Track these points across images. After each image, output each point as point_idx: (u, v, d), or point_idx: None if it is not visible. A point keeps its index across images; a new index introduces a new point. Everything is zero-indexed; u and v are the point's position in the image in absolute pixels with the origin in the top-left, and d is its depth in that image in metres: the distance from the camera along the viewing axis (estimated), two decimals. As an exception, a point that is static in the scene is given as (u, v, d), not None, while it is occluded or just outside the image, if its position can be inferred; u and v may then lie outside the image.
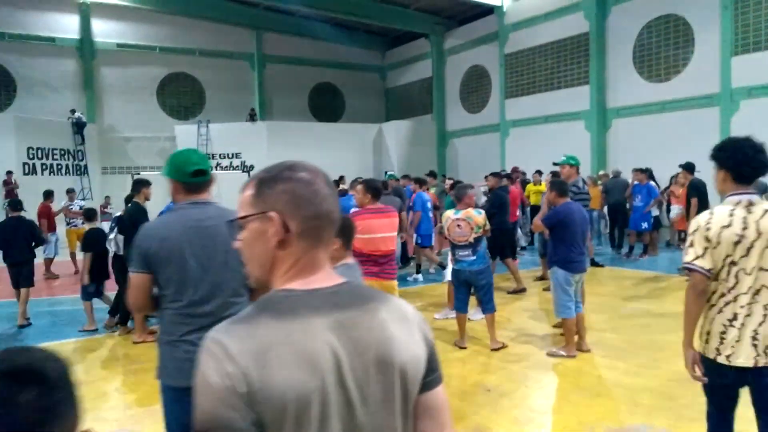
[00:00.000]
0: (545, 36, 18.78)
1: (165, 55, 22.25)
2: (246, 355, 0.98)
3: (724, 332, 2.59)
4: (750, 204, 2.57)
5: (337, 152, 21.35)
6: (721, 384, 2.68)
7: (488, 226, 5.75)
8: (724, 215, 2.58)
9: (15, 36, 19.53)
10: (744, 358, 2.55)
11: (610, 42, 16.96)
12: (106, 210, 14.35)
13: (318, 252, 1.13)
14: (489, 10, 20.42)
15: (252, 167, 20.02)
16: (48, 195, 11.12)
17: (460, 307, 5.79)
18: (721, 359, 2.59)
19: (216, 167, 20.25)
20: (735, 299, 2.58)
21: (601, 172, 14.31)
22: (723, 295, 2.60)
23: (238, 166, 20.65)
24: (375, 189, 4.76)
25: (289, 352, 0.99)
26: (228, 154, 20.92)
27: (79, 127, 19.16)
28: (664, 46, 15.68)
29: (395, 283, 4.80)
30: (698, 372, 2.64)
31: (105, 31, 21.12)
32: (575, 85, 17.93)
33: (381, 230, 4.63)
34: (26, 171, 17.53)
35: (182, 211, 2.46)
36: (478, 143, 21.98)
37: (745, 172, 2.61)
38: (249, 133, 21.13)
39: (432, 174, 13.04)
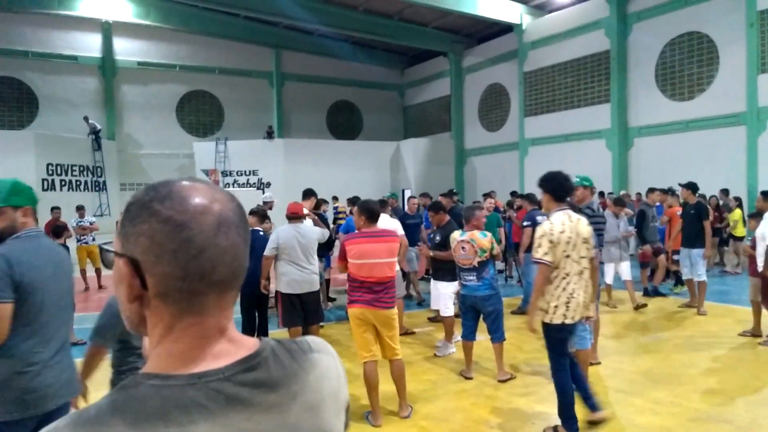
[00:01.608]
0: (565, 54, 18.51)
1: (185, 73, 22.49)
2: None
3: (568, 302, 3.95)
4: (569, 215, 4.04)
5: (355, 170, 21.30)
6: (565, 338, 4.10)
7: (496, 250, 5.46)
8: (559, 224, 3.98)
9: (38, 54, 19.92)
10: (577, 315, 4.00)
11: (632, 60, 16.61)
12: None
13: (199, 321, 0.79)
14: (508, 28, 20.23)
15: (269, 184, 20.00)
16: (53, 210, 11.13)
17: (467, 334, 5.51)
18: (568, 321, 3.97)
19: (233, 184, 20.30)
20: (569, 280, 3.96)
21: (622, 192, 13.88)
22: (564, 278, 3.96)
23: (254, 183, 20.66)
24: (370, 211, 4.50)
25: None
26: (245, 171, 20.95)
27: (95, 135, 19.31)
28: (687, 64, 15.28)
29: (393, 311, 4.51)
30: (538, 329, 4.11)
31: (126, 50, 21.44)
32: (596, 104, 17.58)
33: (375, 255, 4.36)
34: (45, 187, 17.70)
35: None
36: (496, 161, 21.69)
37: (560, 194, 4.14)
38: (266, 151, 21.16)
39: (451, 193, 12.74)
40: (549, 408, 4.76)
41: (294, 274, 5.65)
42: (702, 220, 7.85)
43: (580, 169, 9.12)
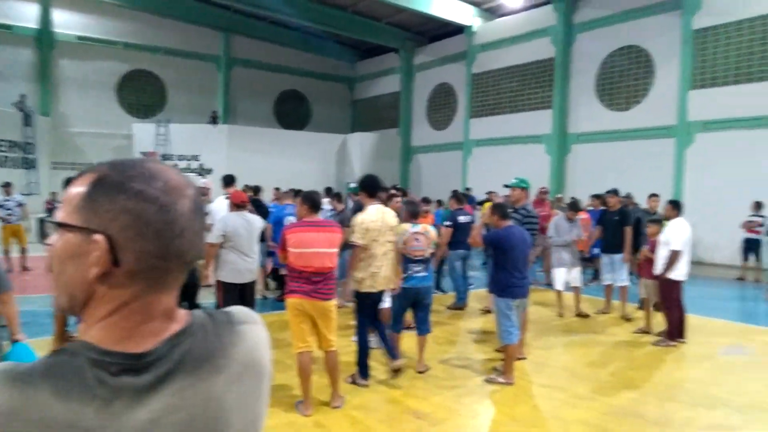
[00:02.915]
0: (512, 58, 18.97)
1: (127, 51, 21.65)
2: None
3: (375, 275, 5.00)
4: (380, 209, 5.12)
5: (300, 161, 21.15)
6: (371, 303, 5.12)
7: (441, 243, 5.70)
8: (372, 215, 5.03)
9: (-33, 21, 18.73)
10: (381, 286, 5.06)
11: (575, 68, 17.21)
12: (52, 206, 13.76)
13: (158, 299, 0.83)
14: (459, 29, 20.54)
15: (210, 170, 19.58)
16: None
17: (400, 327, 5.61)
18: (373, 289, 5.02)
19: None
20: (376, 259, 5.00)
21: (558, 195, 14.40)
22: (372, 257, 4.97)
23: (196, 169, 20.17)
24: (312, 201, 4.54)
25: None
26: (186, 156, 20.40)
27: (25, 112, 18.37)
28: (625, 76, 15.98)
29: (331, 303, 4.54)
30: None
31: (66, 22, 20.42)
32: (538, 109, 18.12)
33: (314, 245, 4.39)
34: (-31, 161, 16.71)
35: None
36: (441, 160, 22.01)
37: (373, 192, 5.22)
38: (210, 136, 20.68)
39: (396, 189, 12.82)
40: (476, 400, 4.94)
41: (239, 263, 5.62)
42: (624, 226, 8.15)
43: (520, 172, 9.43)
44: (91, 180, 0.81)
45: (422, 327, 5.59)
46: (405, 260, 5.48)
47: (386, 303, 6.24)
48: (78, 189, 0.81)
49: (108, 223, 0.78)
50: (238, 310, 0.96)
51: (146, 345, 0.80)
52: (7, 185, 11.08)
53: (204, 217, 0.88)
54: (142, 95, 22.25)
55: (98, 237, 0.78)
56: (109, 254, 0.78)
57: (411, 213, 5.61)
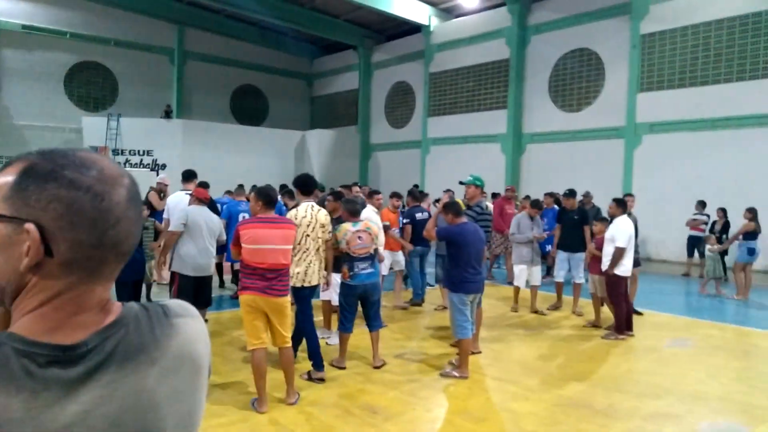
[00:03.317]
0: (469, 59, 19.22)
1: (76, 42, 20.92)
2: None
3: (306, 270, 5.10)
4: (312, 206, 5.26)
5: (258, 157, 20.90)
6: (307, 295, 5.20)
7: (382, 239, 5.69)
8: (303, 211, 5.20)
9: None
10: (315, 281, 5.18)
11: (529, 70, 17.58)
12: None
13: (91, 290, 0.81)
14: (417, 28, 20.68)
15: (164, 166, 19.11)
16: None
17: (350, 327, 5.58)
18: (306, 284, 5.11)
19: (125, 163, 19.20)
20: (309, 254, 5.12)
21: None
22: (304, 251, 5.11)
23: (149, 164, 19.66)
24: (267, 197, 4.50)
25: None
26: (139, 151, 19.87)
27: None
28: (577, 78, 16.42)
29: (286, 299, 4.52)
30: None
31: (9, 11, 19.59)
32: (494, 109, 18.43)
33: (269, 241, 4.35)
34: None
35: None
36: (400, 158, 22.14)
37: (305, 189, 5.39)
38: (163, 131, 20.19)
39: (350, 186, 12.80)
40: (431, 394, 5.00)
41: (197, 257, 5.72)
42: (583, 225, 8.38)
43: (476, 170, 9.55)
44: (20, 169, 0.79)
45: (373, 323, 5.62)
46: (350, 258, 5.44)
47: (336, 298, 6.16)
48: (6, 178, 0.78)
49: (39, 212, 0.76)
50: (174, 303, 0.94)
51: (77, 337, 0.78)
52: None
53: (141, 208, 0.87)
54: (92, 88, 21.55)
55: (29, 226, 0.75)
56: (41, 244, 0.76)
57: (350, 212, 5.56)
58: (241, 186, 10.13)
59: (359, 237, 5.43)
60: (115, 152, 19.49)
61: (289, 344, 4.60)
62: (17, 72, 19.90)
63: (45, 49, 20.34)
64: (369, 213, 7.30)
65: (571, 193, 8.68)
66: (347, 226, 5.47)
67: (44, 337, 0.77)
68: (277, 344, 4.57)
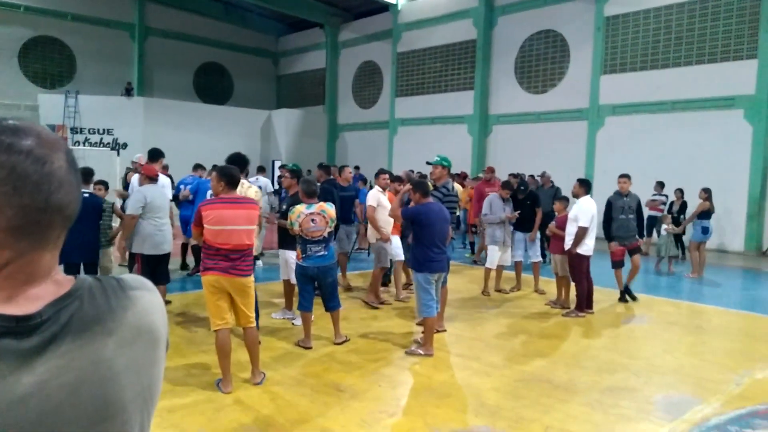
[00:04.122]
0: (436, 39, 19.18)
1: (31, 16, 20.11)
2: None
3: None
4: (243, 183, 5.37)
5: (223, 137, 20.55)
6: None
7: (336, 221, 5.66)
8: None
9: None
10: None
11: (496, 51, 17.64)
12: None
13: (40, 256, 0.80)
14: (384, 7, 20.51)
15: (125, 145, 18.67)
16: None
17: (308, 306, 5.59)
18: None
19: (84, 142, 18.67)
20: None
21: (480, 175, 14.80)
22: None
23: (109, 143, 19.18)
24: (230, 176, 4.43)
25: None
26: (99, 130, 19.34)
27: None
28: (543, 60, 16.56)
29: (250, 279, 4.49)
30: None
31: (-43, -20, 18.71)
32: (461, 90, 18.48)
33: (233, 222, 4.30)
34: None
35: None
36: (367, 139, 22.06)
37: (239, 168, 5.31)
38: (124, 109, 19.69)
39: (322, 166, 12.66)
40: (396, 371, 5.07)
41: (157, 235, 5.92)
42: (535, 207, 8.62)
43: (443, 151, 9.59)
44: None
45: (330, 304, 5.66)
46: (303, 241, 5.41)
47: (293, 278, 6.14)
48: None
49: None
50: (130, 277, 0.93)
51: (30, 308, 0.77)
52: None
53: (80, 174, 0.87)
54: (48, 64, 20.81)
55: None
56: None
57: (306, 192, 5.46)
58: (198, 165, 9.87)
59: (312, 220, 5.33)
60: (74, 130, 18.93)
61: (253, 324, 4.59)
62: (-33, 46, 19.08)
63: (-3, 22, 19.51)
64: (375, 193, 7.58)
65: (514, 175, 8.86)
66: (301, 208, 5.36)
67: None
68: (241, 324, 4.55)
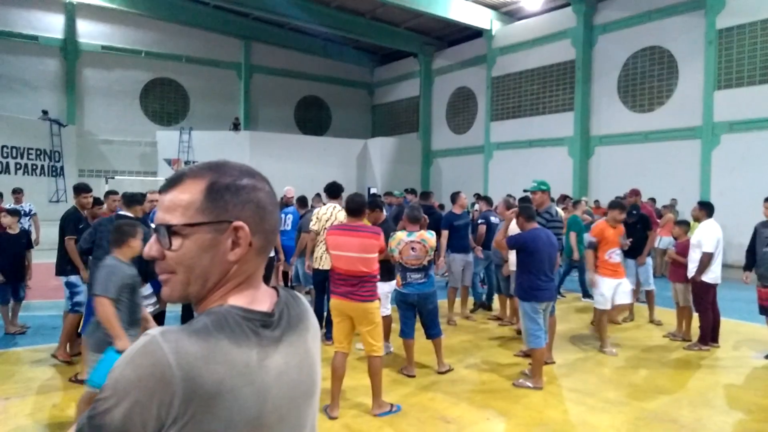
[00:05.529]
0: (532, 61, 18.86)
1: (150, 60, 22.03)
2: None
3: (322, 256, 6.18)
4: (335, 206, 6.35)
5: (321, 166, 21.25)
6: (325, 278, 6.01)
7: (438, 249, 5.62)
8: (325, 209, 6.39)
9: (-3, 32, 19.21)
10: (327, 266, 5.63)
11: (596, 70, 17.06)
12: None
13: (262, 267, 1.05)
14: (478, 33, 20.50)
15: (232, 177, 19.73)
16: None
17: (409, 333, 5.54)
18: (324, 267, 6.14)
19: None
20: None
21: (584, 198, 14.24)
22: (322, 241, 6.01)
23: (218, 176, 20.36)
24: (349, 205, 4.63)
25: (250, 393, 0.91)
26: (209, 163, 20.61)
27: (53, 121, 18.71)
28: (648, 77, 15.79)
29: (371, 305, 4.49)
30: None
31: (90, 33, 20.87)
32: (560, 111, 17.98)
33: (347, 249, 4.42)
34: (-1, 170, 17.09)
35: None
36: (461, 164, 21.95)
37: (333, 194, 6.64)
38: (232, 142, 20.91)
39: (412, 191, 12.83)
40: (504, 404, 4.89)
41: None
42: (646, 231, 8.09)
43: (542, 175, 9.36)
44: (204, 186, 0.96)
45: (430, 332, 5.58)
46: (402, 268, 5.37)
47: (386, 310, 6.07)
48: (192, 195, 0.95)
49: (239, 213, 0.97)
50: (286, 288, 1.15)
51: (266, 306, 1.01)
52: (17, 192, 10.16)
53: None
54: (165, 103, 22.60)
55: (240, 224, 0.96)
56: (248, 237, 0.97)
57: (410, 218, 5.38)
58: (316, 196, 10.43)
59: (412, 248, 5.29)
60: (187, 164, 20.20)
61: (378, 353, 4.55)
62: (98, 90, 21.14)
63: (122, 67, 21.52)
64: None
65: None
66: (401, 235, 5.35)
67: (251, 307, 0.98)
68: (366, 351, 4.59)
